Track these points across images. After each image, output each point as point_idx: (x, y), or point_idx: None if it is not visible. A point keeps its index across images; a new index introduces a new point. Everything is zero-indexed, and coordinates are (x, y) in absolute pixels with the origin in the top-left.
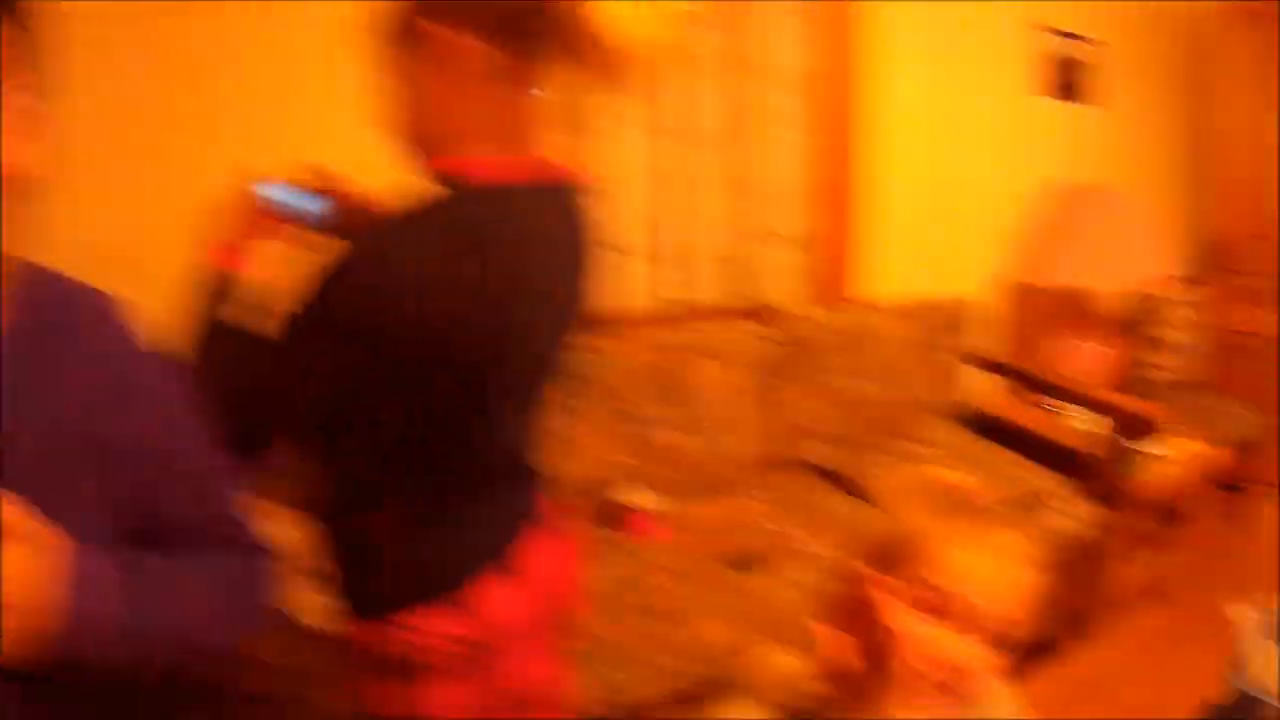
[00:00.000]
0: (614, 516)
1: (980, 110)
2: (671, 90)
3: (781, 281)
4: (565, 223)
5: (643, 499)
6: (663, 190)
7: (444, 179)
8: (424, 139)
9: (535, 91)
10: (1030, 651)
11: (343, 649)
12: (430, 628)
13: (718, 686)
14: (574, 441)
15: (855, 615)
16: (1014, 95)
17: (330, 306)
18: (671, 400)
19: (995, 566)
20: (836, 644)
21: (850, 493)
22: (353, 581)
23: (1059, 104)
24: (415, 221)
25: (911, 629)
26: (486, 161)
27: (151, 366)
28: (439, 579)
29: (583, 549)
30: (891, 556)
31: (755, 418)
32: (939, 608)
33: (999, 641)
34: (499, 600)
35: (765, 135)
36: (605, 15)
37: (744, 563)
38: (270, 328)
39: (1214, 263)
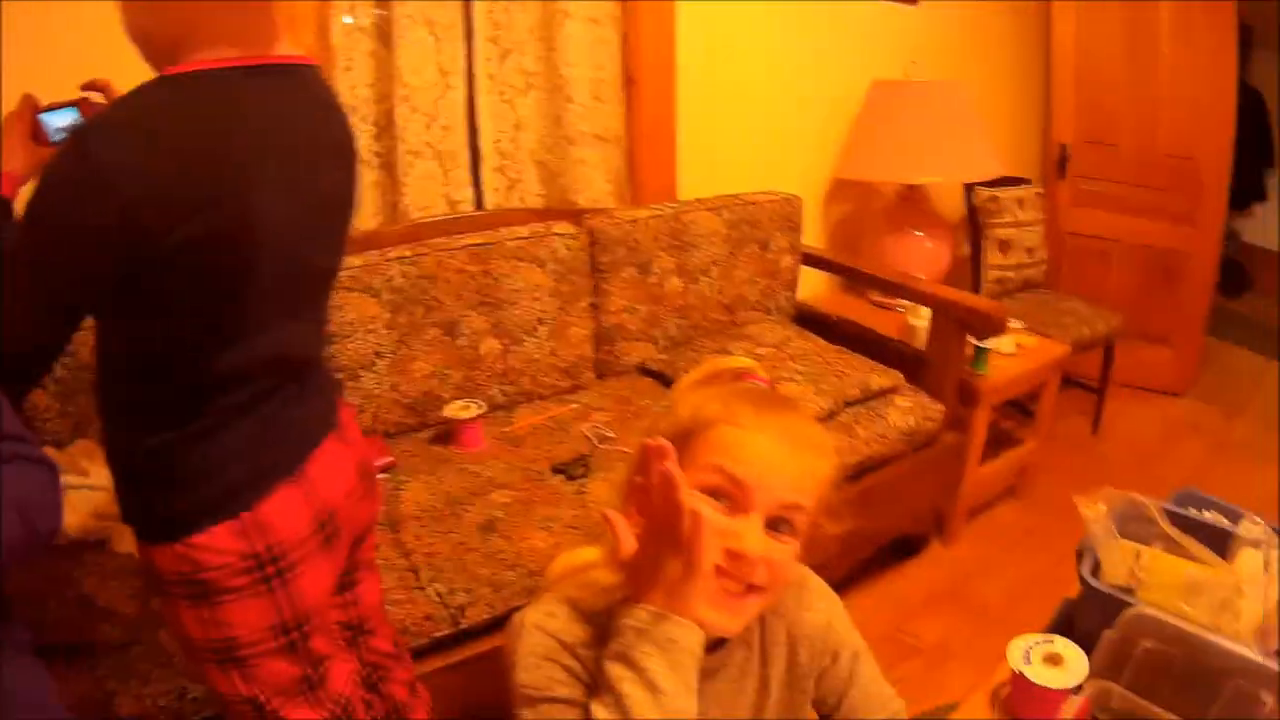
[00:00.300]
0: (443, 432)
1: (810, 7)
2: None
3: (601, 183)
4: (301, 101)
5: (470, 412)
6: (477, 95)
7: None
8: (151, 45)
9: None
10: (890, 552)
11: (145, 575)
12: (218, 546)
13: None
14: (397, 357)
15: (650, 505)
16: None
17: (38, 219)
18: (489, 306)
19: (795, 455)
20: (630, 533)
21: None
22: (138, 506)
23: (893, 4)
24: (111, 114)
25: (710, 519)
26: (209, 58)
27: None
28: (221, 496)
29: (400, 477)
30: (686, 443)
31: (580, 322)
32: (736, 498)
33: (807, 534)
34: (288, 513)
35: (579, 34)
36: None
37: (569, 467)
38: None
39: (1054, 167)
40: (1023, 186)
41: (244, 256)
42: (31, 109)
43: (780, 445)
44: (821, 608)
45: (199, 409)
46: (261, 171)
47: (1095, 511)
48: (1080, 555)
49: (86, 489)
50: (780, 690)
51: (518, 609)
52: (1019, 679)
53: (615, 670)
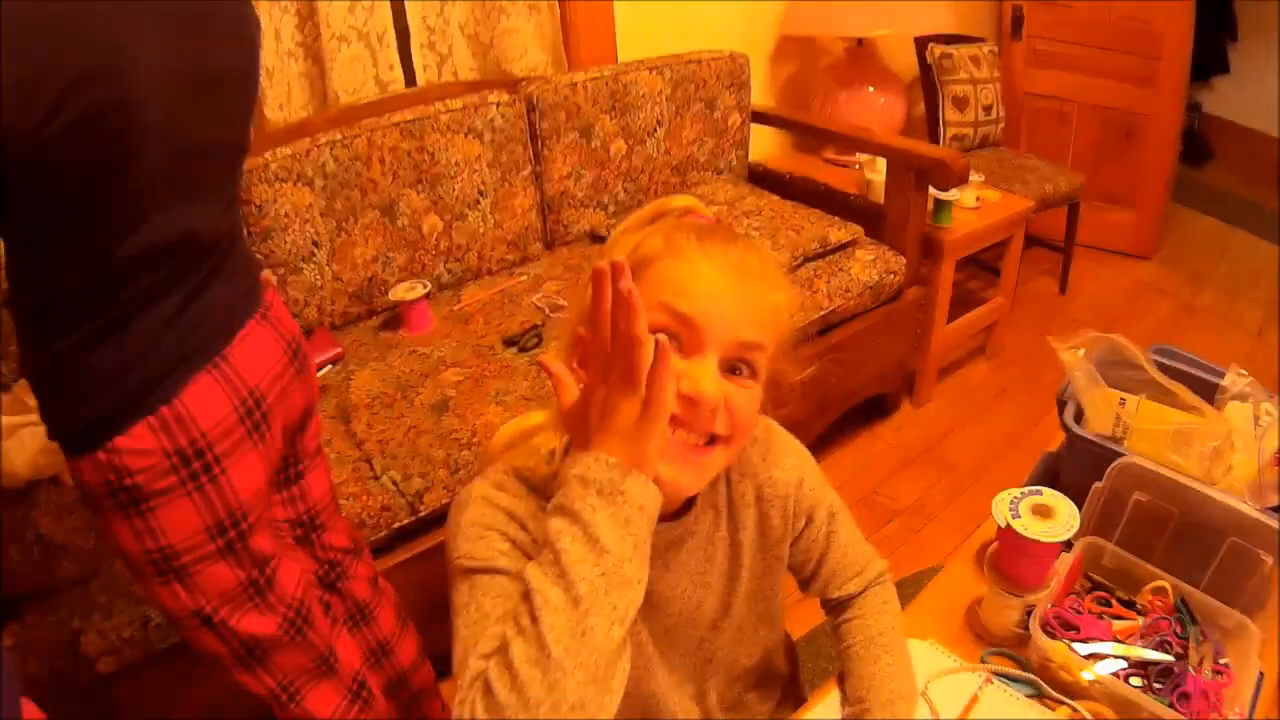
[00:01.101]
0: (391, 317)
1: None
2: None
3: (536, 52)
4: None
5: (415, 293)
6: None
7: None
8: None
9: None
10: (861, 413)
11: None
12: (139, 446)
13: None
14: (337, 245)
15: (597, 349)
16: None
17: None
18: (427, 183)
19: (747, 287)
20: (572, 381)
21: None
22: (58, 416)
23: None
24: None
25: (661, 362)
26: None
27: None
28: (136, 392)
29: (349, 367)
30: (614, 277)
31: (523, 192)
32: (686, 339)
33: (768, 379)
34: (209, 403)
35: None
36: None
37: (521, 339)
38: None
39: (1007, 26)
40: (977, 45)
41: (127, 138)
42: None
43: (730, 277)
44: (791, 464)
45: (104, 303)
46: (137, 43)
47: (1075, 356)
48: (1062, 404)
49: (33, 425)
50: (753, 557)
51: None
52: (1006, 533)
53: (555, 524)
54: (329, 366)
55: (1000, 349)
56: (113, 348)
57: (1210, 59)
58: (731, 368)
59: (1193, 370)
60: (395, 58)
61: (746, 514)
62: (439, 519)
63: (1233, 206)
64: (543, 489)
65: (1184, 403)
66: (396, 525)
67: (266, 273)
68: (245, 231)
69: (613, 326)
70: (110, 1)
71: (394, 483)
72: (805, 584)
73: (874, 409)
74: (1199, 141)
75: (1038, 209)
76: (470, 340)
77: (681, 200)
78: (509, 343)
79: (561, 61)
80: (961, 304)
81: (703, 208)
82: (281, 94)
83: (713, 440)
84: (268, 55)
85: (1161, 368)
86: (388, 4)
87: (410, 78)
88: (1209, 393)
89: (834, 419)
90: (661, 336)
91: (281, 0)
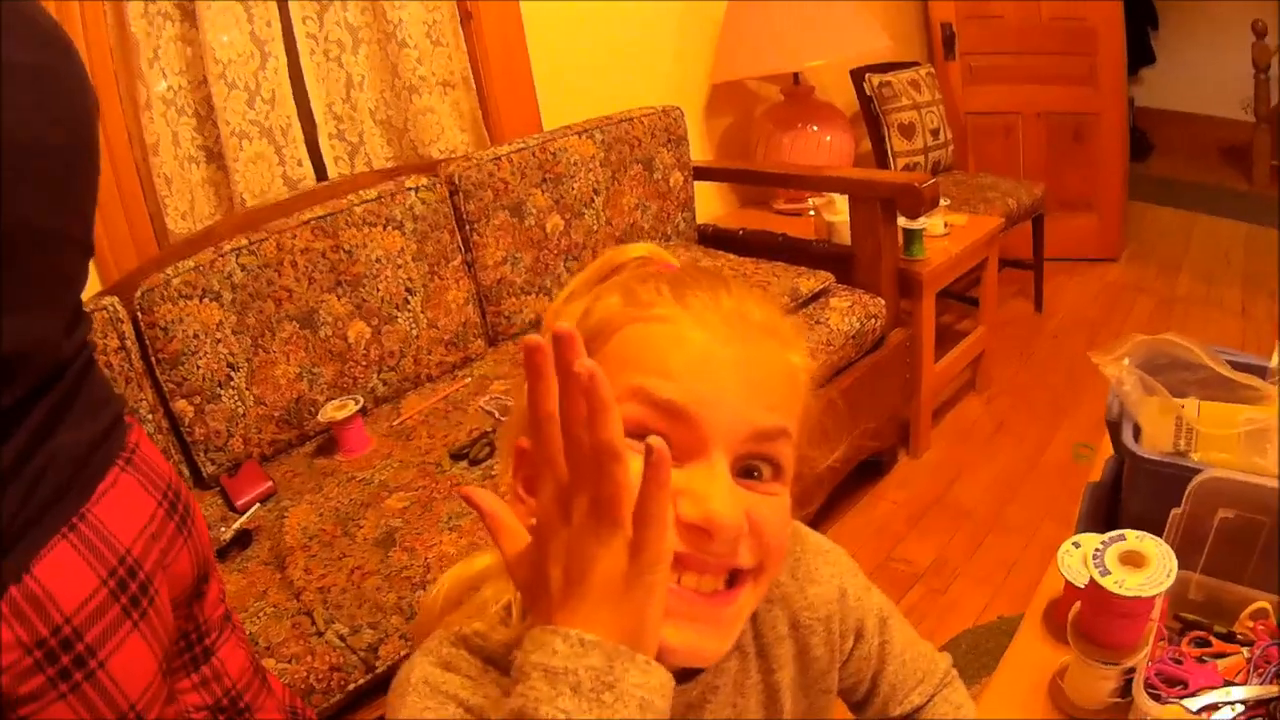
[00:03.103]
0: (325, 441)
1: None
2: None
3: (454, 132)
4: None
5: (346, 410)
6: (301, 59)
7: None
8: None
9: None
10: (856, 476)
11: None
12: None
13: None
14: (255, 365)
15: (546, 468)
16: None
17: None
18: (347, 285)
19: (752, 351)
20: (515, 519)
21: None
22: None
23: None
24: None
25: (655, 480)
26: None
27: None
28: None
29: (282, 504)
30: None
31: (456, 285)
32: (679, 437)
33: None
34: (71, 578)
35: None
36: None
37: (471, 450)
38: None
39: (939, 47)
40: (913, 69)
41: None
42: None
43: (727, 341)
44: (828, 574)
45: None
46: None
47: (1121, 367)
48: (1113, 425)
49: None
50: (795, 698)
51: None
52: (1091, 592)
53: None
54: (258, 505)
55: (989, 381)
56: None
57: (1136, 51)
58: (747, 470)
59: (1228, 360)
60: (303, 152)
61: (781, 649)
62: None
63: (1184, 192)
64: (502, 661)
65: (1247, 395)
66: (351, 687)
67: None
68: (152, 359)
69: (570, 432)
70: None
71: (341, 637)
72: (860, 707)
73: (870, 468)
74: (1138, 135)
75: (1006, 226)
76: (414, 458)
77: (638, 249)
78: (457, 456)
79: (483, 139)
80: (941, 340)
81: (665, 254)
82: (184, 203)
83: (735, 577)
84: (166, 161)
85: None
86: (290, 94)
87: (321, 172)
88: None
89: (831, 489)
90: (655, 440)
91: (178, 100)
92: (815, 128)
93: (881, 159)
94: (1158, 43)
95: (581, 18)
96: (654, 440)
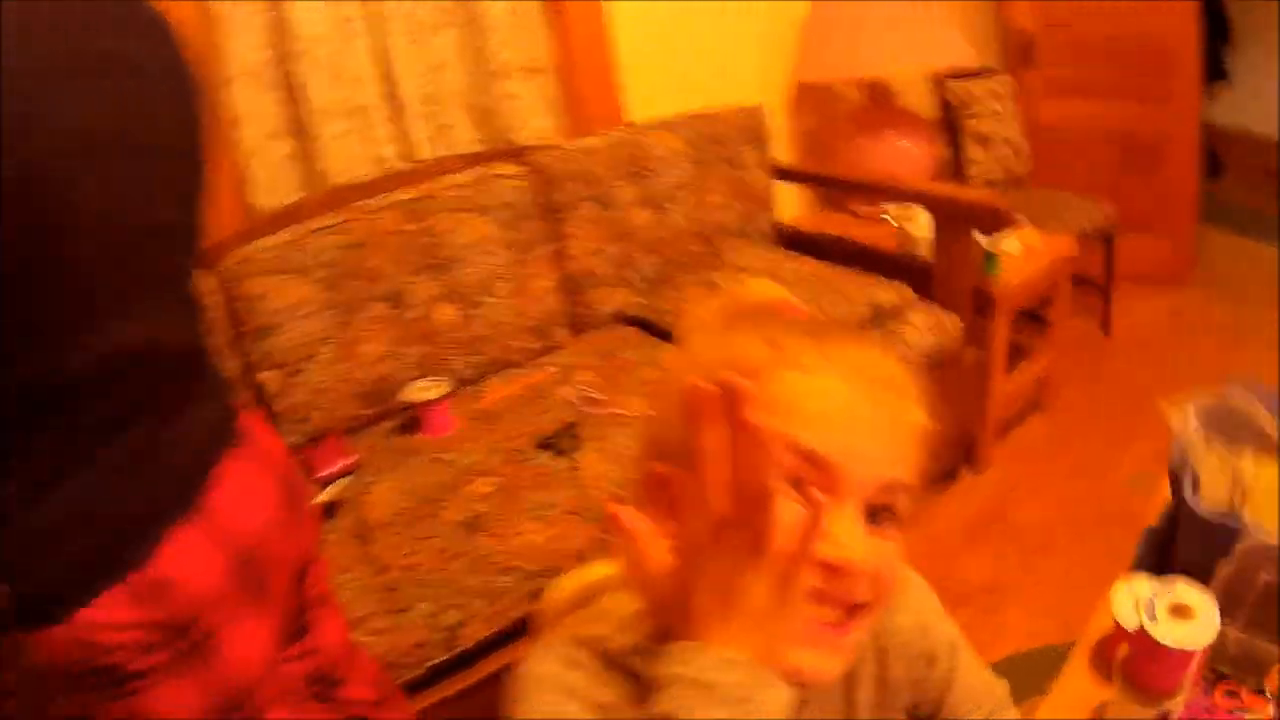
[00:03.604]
0: (407, 419)
1: None
2: None
3: (540, 118)
4: (102, 22)
5: (433, 392)
6: (388, 40)
7: None
8: None
9: None
10: (920, 490)
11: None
12: (111, 620)
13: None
14: (342, 341)
15: (691, 497)
16: None
17: None
18: (436, 269)
19: (887, 407)
20: (657, 540)
21: (666, 338)
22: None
23: None
24: None
25: (784, 513)
26: None
27: None
28: (96, 554)
29: (365, 479)
30: (730, 404)
31: (542, 273)
32: (816, 482)
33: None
34: (192, 563)
35: None
36: None
37: (556, 441)
38: None
39: (1017, 56)
40: (991, 78)
41: (47, 218)
42: None
43: (866, 396)
44: (913, 604)
45: (45, 441)
46: (44, 98)
47: (1183, 417)
48: (1175, 477)
49: None
50: (869, 715)
51: (522, 620)
52: (1140, 638)
53: None
54: (343, 479)
55: (1053, 401)
56: (63, 500)
57: (1208, 67)
58: (872, 514)
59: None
60: (390, 132)
61: (864, 670)
62: (480, 653)
63: (1257, 217)
64: (623, 664)
65: None
66: (432, 663)
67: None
68: (236, 332)
69: (730, 473)
70: (25, 73)
71: (426, 616)
72: None
73: (931, 482)
74: (1210, 155)
75: (1079, 246)
76: (499, 443)
77: (769, 289)
78: (543, 445)
79: (567, 125)
80: (1011, 350)
81: (795, 300)
82: (267, 178)
83: (853, 609)
84: (248, 136)
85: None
86: (375, 75)
87: (408, 153)
88: None
89: None
90: (814, 493)
91: (264, 75)
92: (896, 133)
93: (957, 167)
94: (1231, 59)
95: (665, 8)
96: (814, 495)
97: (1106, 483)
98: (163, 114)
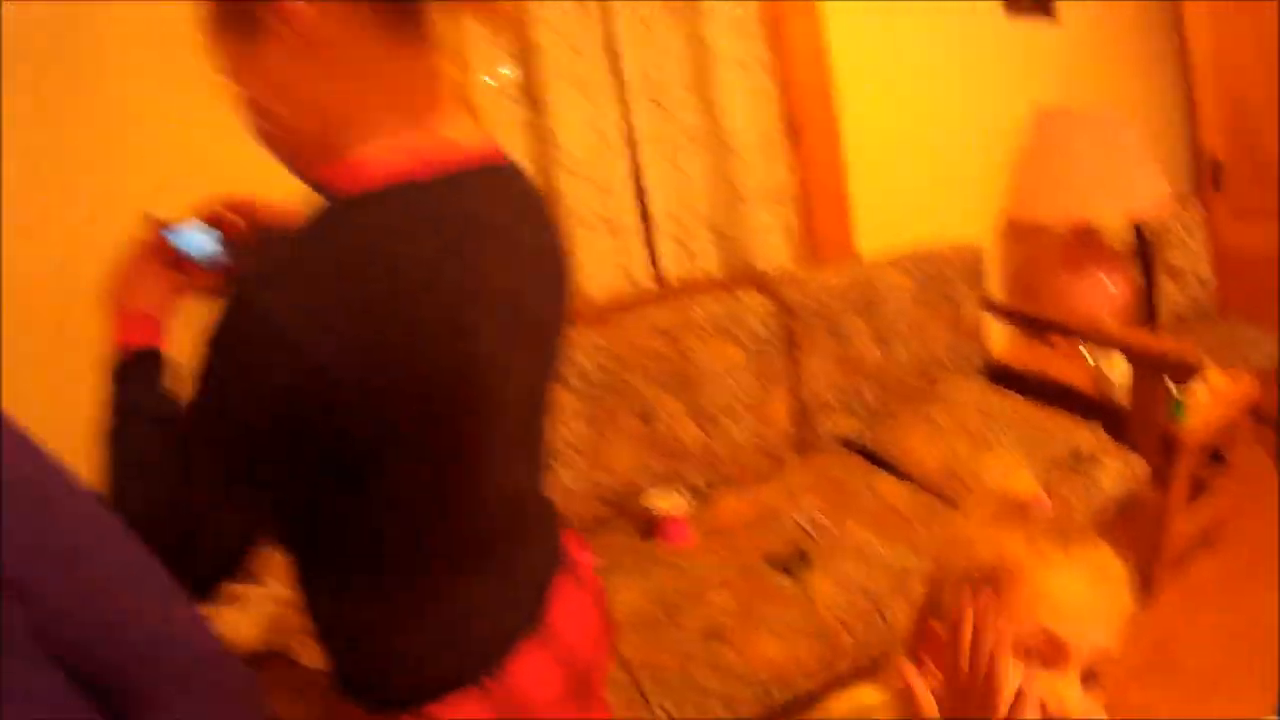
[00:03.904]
0: (645, 525)
1: (949, 36)
2: (628, 47)
3: (777, 242)
4: (509, 209)
5: (672, 502)
6: (637, 157)
7: (330, 192)
8: (294, 146)
9: (425, 51)
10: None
11: None
12: (462, 716)
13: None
14: (595, 450)
15: (953, 661)
16: (982, 16)
17: (214, 391)
18: (684, 388)
19: (1111, 597)
20: (928, 693)
21: (885, 467)
22: (355, 677)
23: (1029, 23)
24: (288, 259)
25: (1026, 681)
26: (380, 159)
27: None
28: (458, 664)
29: (607, 578)
30: (985, 589)
31: (778, 397)
32: (1051, 655)
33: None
34: (538, 676)
35: (734, 83)
36: None
37: (788, 562)
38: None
39: (1207, 182)
40: (1183, 207)
41: (466, 404)
42: (159, 231)
43: (1097, 588)
44: None
45: (423, 572)
46: (476, 305)
47: None
48: None
49: (263, 599)
50: None
51: None
52: None
53: None
54: None
55: (1225, 539)
56: (432, 624)
57: None
58: (1086, 678)
59: None
60: (641, 247)
61: None
62: None
63: None
64: None
65: None
66: None
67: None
68: None
69: (974, 659)
70: (456, 264)
71: (667, 712)
72: None
73: None
74: None
75: (1263, 384)
76: (733, 558)
77: (1024, 487)
78: (775, 564)
79: (800, 251)
80: (1189, 489)
81: (1044, 496)
82: None
83: None
84: None
85: None
86: (631, 190)
87: (657, 269)
88: None
89: None
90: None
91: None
92: (1097, 268)
93: (1150, 301)
94: None
95: (894, 141)
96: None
97: (1274, 628)
98: (552, 293)
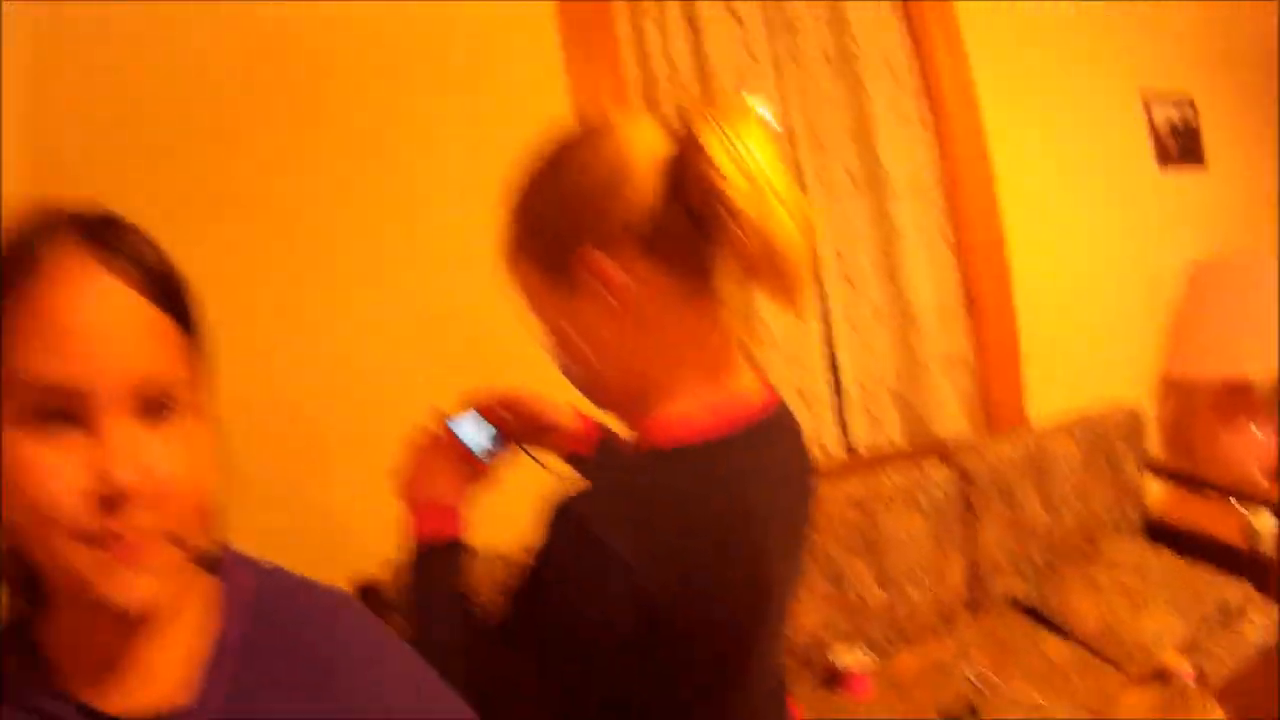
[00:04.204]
0: (829, 677)
1: (1108, 196)
2: (823, 229)
3: (954, 409)
4: (788, 452)
5: (856, 658)
6: (830, 331)
7: (643, 439)
8: (598, 387)
9: (718, 311)
10: None
11: None
12: None
13: None
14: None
15: None
16: (1133, 169)
17: (546, 611)
18: (870, 552)
19: None
20: None
21: (1050, 625)
22: None
23: (1179, 172)
24: (620, 499)
25: None
26: (688, 419)
27: (409, 687)
28: None
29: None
30: None
31: (954, 560)
32: None
33: None
34: None
35: (917, 256)
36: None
37: (959, 715)
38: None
39: None
40: None
41: (758, 615)
42: (446, 424)
43: None
44: None
45: None
46: (770, 537)
47: None
48: None
49: None
50: None
51: None
52: None
53: None
54: None
55: None
56: None
57: None
58: None
59: None
60: (831, 418)
61: None
62: None
63: None
64: None
65: None
66: None
67: None
68: None
69: None
70: (759, 507)
71: None
72: None
73: None
74: None
75: None
76: (909, 711)
77: (1170, 656)
78: (946, 718)
79: (976, 416)
80: None
81: (1186, 666)
82: None
83: None
84: None
85: None
86: (823, 361)
87: (846, 438)
88: None
89: None
90: None
91: None
92: (1249, 421)
93: None
94: None
95: (1060, 302)
96: None
97: None
98: (806, 508)
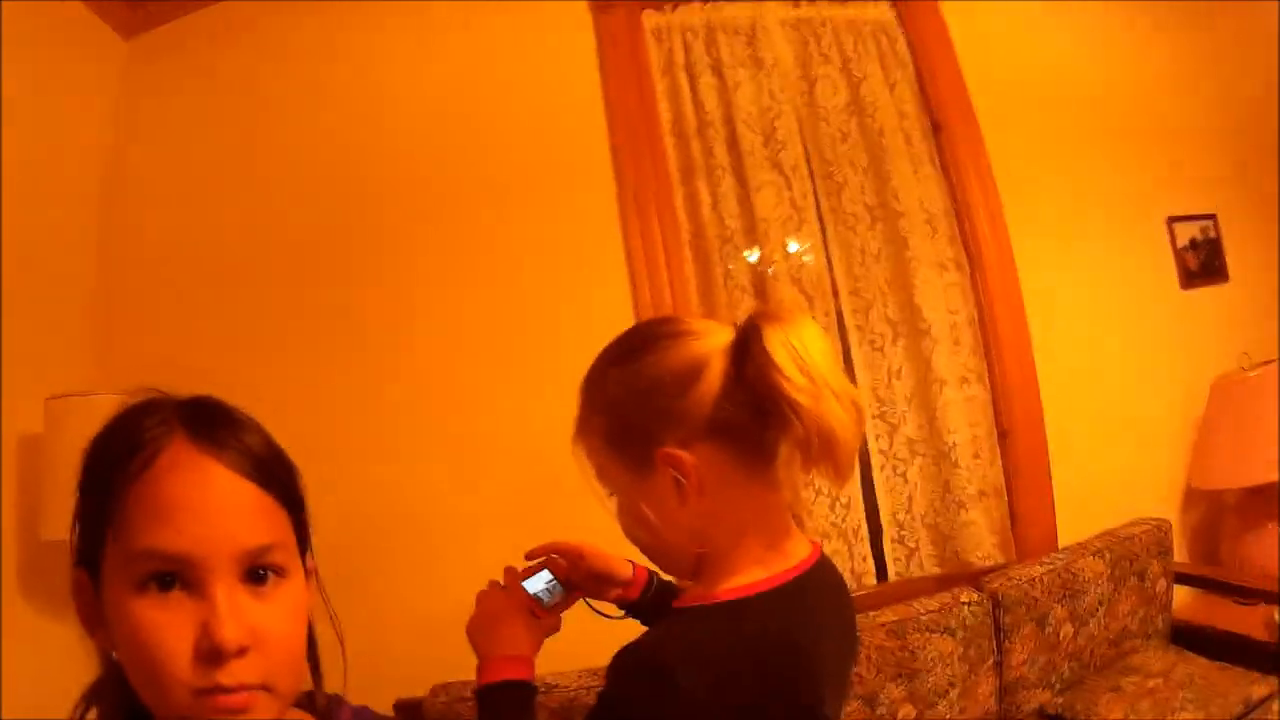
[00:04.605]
0: None
1: (1133, 319)
2: (861, 370)
3: (988, 538)
4: (832, 597)
5: None
6: (868, 470)
7: (709, 596)
8: (664, 554)
9: (777, 489)
10: None
11: None
12: None
13: None
14: None
15: None
16: (1157, 292)
17: None
18: (904, 676)
19: None
20: None
21: None
22: None
23: (1201, 288)
24: (692, 645)
25: None
26: (747, 584)
27: None
28: None
29: None
30: None
31: (985, 680)
32: None
33: None
34: None
35: (953, 398)
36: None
37: None
38: None
39: None
40: None
41: None
42: (519, 581)
43: None
44: None
45: None
46: (824, 679)
47: None
48: None
49: None
50: None
51: None
52: None
53: None
54: None
55: None
56: None
57: None
58: None
59: None
60: (868, 551)
61: None
62: None
63: None
64: None
65: None
66: None
67: None
68: None
69: None
70: (814, 655)
71: None
72: None
73: None
74: None
75: None
76: None
77: None
78: None
79: (1008, 544)
80: None
81: None
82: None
83: None
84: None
85: None
86: (862, 500)
87: (881, 569)
88: None
89: None
90: None
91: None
92: (1272, 523)
93: None
94: None
95: (1089, 425)
96: None
97: None
98: (853, 637)
